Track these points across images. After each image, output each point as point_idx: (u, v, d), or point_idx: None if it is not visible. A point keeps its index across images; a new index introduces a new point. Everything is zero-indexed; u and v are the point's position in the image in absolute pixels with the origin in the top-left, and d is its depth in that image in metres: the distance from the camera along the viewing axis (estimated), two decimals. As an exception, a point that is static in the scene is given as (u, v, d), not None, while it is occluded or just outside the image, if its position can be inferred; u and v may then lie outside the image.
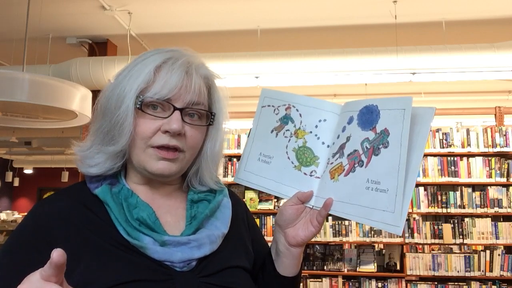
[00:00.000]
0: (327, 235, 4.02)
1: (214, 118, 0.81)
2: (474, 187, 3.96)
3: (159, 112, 0.76)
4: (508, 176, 3.89)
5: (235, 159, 4.20)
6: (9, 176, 9.78)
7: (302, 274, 4.04)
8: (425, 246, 4.18)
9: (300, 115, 0.88)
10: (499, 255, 3.81)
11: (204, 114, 0.80)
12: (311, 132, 0.86)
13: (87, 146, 0.79)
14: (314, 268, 4.04)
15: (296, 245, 0.84)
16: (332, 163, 0.82)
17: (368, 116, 0.78)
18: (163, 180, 0.81)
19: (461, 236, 3.87)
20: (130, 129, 0.75)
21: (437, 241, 3.91)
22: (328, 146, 0.84)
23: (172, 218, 0.80)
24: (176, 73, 0.75)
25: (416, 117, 0.73)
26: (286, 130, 0.88)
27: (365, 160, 0.77)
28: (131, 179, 0.82)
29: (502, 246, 3.88)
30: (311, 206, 0.83)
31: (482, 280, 3.81)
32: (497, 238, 3.84)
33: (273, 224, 4.08)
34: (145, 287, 0.70)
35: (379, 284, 3.94)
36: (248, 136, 0.94)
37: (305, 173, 0.85)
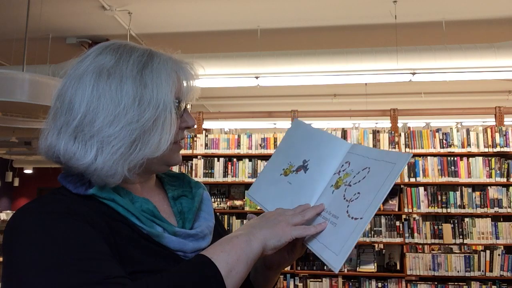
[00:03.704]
0: (327, 235, 4.01)
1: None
2: (474, 187, 3.96)
3: (177, 113, 0.79)
4: (508, 176, 3.89)
5: (235, 159, 4.20)
6: (9, 176, 9.78)
7: (302, 274, 4.03)
8: (425, 246, 4.18)
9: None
10: (499, 255, 3.80)
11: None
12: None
13: (92, 158, 0.70)
14: (314, 268, 4.04)
15: (268, 267, 0.89)
16: None
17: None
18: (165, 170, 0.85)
19: (461, 236, 3.87)
20: (172, 131, 0.75)
21: (437, 241, 3.90)
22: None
23: (164, 214, 0.80)
24: (192, 78, 0.81)
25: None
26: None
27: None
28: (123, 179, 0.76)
29: (502, 246, 3.87)
30: None
31: (482, 280, 3.81)
32: (497, 238, 3.84)
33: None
34: None
35: (379, 284, 3.94)
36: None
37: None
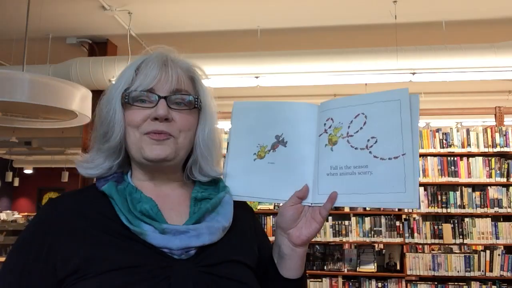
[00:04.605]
0: (327, 235, 4.02)
1: (200, 101, 0.86)
2: (474, 187, 3.96)
3: (147, 104, 0.81)
4: (508, 176, 3.89)
5: (235, 159, 4.19)
6: (9, 176, 9.78)
7: (302, 274, 4.04)
8: (425, 246, 4.18)
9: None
10: (499, 255, 3.81)
11: (191, 101, 0.84)
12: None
13: (89, 153, 0.86)
14: (314, 268, 4.04)
15: (302, 244, 0.85)
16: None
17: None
18: (164, 165, 0.83)
19: (461, 236, 3.87)
20: (121, 123, 0.81)
21: (437, 241, 3.91)
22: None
23: (175, 214, 0.82)
24: (154, 66, 0.82)
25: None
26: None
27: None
28: (136, 176, 0.86)
29: (502, 246, 3.88)
30: (309, 204, 0.84)
31: (482, 280, 3.81)
32: (497, 238, 3.84)
33: (273, 224, 4.07)
34: (144, 272, 0.72)
35: (379, 284, 3.94)
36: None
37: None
